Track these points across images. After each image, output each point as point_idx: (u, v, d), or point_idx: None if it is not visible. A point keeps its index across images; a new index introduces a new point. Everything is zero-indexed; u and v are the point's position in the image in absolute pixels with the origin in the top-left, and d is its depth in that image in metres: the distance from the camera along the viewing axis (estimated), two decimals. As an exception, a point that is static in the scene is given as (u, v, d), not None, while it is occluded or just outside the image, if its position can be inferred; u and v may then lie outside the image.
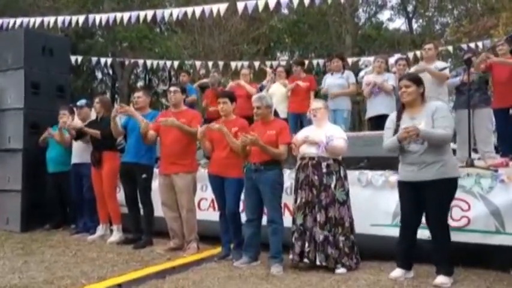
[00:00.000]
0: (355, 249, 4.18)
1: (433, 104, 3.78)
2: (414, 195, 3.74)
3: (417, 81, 3.81)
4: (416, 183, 3.70)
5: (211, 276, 3.97)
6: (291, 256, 4.21)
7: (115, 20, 10.10)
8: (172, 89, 5.09)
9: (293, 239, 4.22)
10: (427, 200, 3.68)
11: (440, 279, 3.62)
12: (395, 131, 3.77)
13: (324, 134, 4.20)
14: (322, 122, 4.37)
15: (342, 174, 4.21)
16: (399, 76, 6.26)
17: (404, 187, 3.84)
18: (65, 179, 6.14)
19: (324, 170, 4.15)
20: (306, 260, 4.13)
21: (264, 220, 4.39)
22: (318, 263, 4.07)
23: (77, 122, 6.06)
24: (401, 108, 3.89)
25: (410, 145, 3.72)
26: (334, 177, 4.15)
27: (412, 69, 5.65)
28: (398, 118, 3.83)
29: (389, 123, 3.93)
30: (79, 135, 5.86)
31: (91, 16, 10.36)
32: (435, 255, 3.74)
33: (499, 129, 5.78)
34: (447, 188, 3.66)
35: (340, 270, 4.04)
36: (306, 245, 4.13)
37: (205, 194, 5.39)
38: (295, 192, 4.31)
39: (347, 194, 4.22)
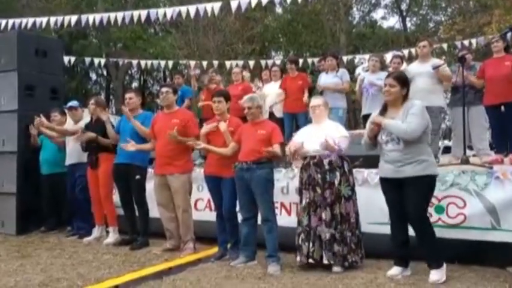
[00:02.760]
0: (361, 244, 4.16)
1: (410, 103, 3.78)
2: (396, 191, 3.78)
3: (403, 82, 3.81)
4: (395, 180, 3.76)
5: (208, 277, 3.96)
6: (298, 258, 4.18)
7: (108, 20, 10.07)
8: (164, 89, 5.07)
9: (299, 241, 4.18)
10: (405, 197, 3.72)
11: (434, 276, 3.64)
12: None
13: (325, 136, 4.12)
14: (321, 119, 4.35)
15: (346, 169, 4.17)
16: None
17: (385, 184, 3.90)
18: (59, 180, 6.12)
19: (327, 167, 4.12)
20: (311, 260, 4.08)
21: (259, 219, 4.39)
22: (325, 261, 4.03)
23: (69, 124, 6.10)
24: (384, 107, 3.90)
25: (387, 145, 3.77)
26: (337, 173, 4.11)
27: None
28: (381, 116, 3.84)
29: (371, 121, 3.93)
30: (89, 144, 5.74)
31: (84, 16, 10.33)
32: (423, 251, 3.77)
33: (492, 126, 5.79)
34: (423, 185, 3.69)
35: (336, 269, 4.02)
36: (311, 244, 4.09)
37: (202, 194, 5.39)
38: (300, 193, 4.29)
39: (352, 189, 4.19)
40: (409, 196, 3.70)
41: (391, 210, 3.93)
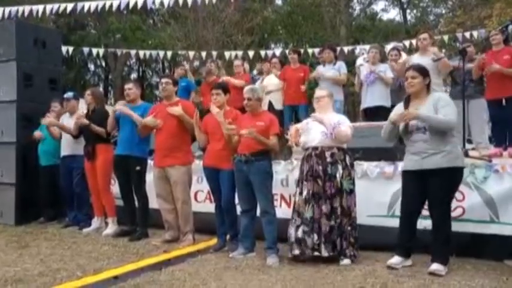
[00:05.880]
0: (357, 238, 4.15)
1: (436, 95, 3.82)
2: (418, 184, 3.77)
3: (424, 72, 3.83)
4: (420, 172, 3.73)
5: (207, 268, 3.97)
6: (297, 251, 4.09)
7: (104, 7, 9.98)
8: (163, 80, 5.06)
9: (301, 233, 4.09)
10: (429, 188, 3.71)
11: (435, 266, 3.66)
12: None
13: (330, 120, 4.12)
14: (325, 110, 4.29)
15: (348, 163, 4.14)
16: (390, 66, 6.29)
17: (408, 176, 3.87)
18: (58, 171, 6.10)
19: (329, 160, 4.08)
20: (316, 252, 4.03)
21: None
22: (324, 254, 3.99)
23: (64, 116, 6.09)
24: (407, 98, 3.90)
25: (413, 134, 3.76)
26: (339, 167, 4.07)
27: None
28: (406, 108, 3.83)
29: (396, 112, 3.93)
30: (80, 131, 5.79)
31: (80, 4, 10.24)
32: (433, 244, 3.76)
33: (492, 119, 5.79)
34: (450, 177, 3.68)
35: (345, 261, 4.00)
36: (316, 237, 4.04)
37: (202, 186, 5.39)
38: (300, 184, 4.24)
39: (353, 183, 4.16)
40: (433, 188, 3.69)
41: (406, 202, 3.88)
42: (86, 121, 5.57)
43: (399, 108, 3.95)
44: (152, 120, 4.86)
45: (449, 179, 3.69)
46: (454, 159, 3.68)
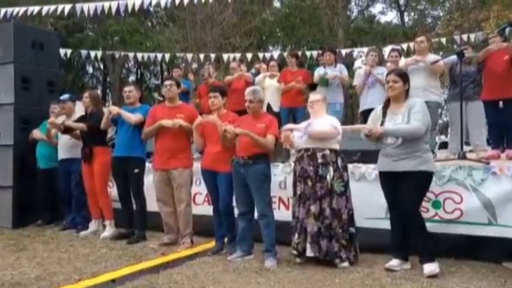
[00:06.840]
0: (354, 242, 4.14)
1: (412, 101, 3.87)
2: (392, 185, 3.87)
3: (404, 77, 3.92)
4: (391, 174, 3.84)
5: (205, 271, 3.97)
6: (311, 254, 4.12)
7: (103, 9, 9.97)
8: (167, 82, 5.04)
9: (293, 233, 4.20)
10: (399, 190, 3.80)
11: (428, 267, 3.69)
12: (382, 124, 3.91)
13: (301, 124, 4.23)
14: (319, 114, 4.30)
15: (339, 165, 4.15)
16: (392, 68, 6.28)
17: (382, 177, 3.99)
18: (56, 174, 6.09)
19: (320, 161, 4.09)
20: (294, 251, 4.10)
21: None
22: (309, 254, 4.02)
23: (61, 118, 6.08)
24: (386, 103, 4.00)
25: (387, 139, 3.86)
26: (331, 168, 4.08)
27: (410, 60, 5.59)
28: (384, 114, 3.94)
29: (373, 116, 4.05)
30: (66, 129, 5.81)
31: (78, 6, 10.22)
32: (413, 245, 3.84)
33: (489, 121, 5.78)
34: (417, 180, 3.75)
35: (343, 264, 4.01)
36: (296, 236, 4.11)
37: (200, 188, 5.37)
38: (294, 185, 4.27)
39: (346, 186, 4.16)
40: (403, 190, 3.78)
41: (389, 203, 3.99)
42: (57, 122, 5.67)
43: (377, 111, 4.04)
44: (169, 123, 4.79)
45: (417, 182, 3.76)
46: (423, 163, 3.76)
